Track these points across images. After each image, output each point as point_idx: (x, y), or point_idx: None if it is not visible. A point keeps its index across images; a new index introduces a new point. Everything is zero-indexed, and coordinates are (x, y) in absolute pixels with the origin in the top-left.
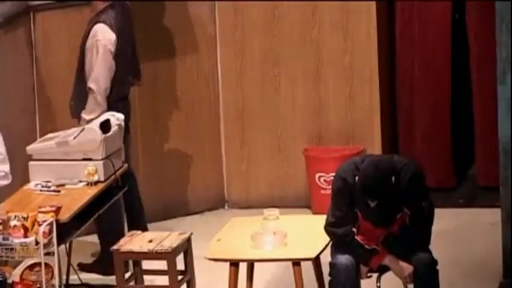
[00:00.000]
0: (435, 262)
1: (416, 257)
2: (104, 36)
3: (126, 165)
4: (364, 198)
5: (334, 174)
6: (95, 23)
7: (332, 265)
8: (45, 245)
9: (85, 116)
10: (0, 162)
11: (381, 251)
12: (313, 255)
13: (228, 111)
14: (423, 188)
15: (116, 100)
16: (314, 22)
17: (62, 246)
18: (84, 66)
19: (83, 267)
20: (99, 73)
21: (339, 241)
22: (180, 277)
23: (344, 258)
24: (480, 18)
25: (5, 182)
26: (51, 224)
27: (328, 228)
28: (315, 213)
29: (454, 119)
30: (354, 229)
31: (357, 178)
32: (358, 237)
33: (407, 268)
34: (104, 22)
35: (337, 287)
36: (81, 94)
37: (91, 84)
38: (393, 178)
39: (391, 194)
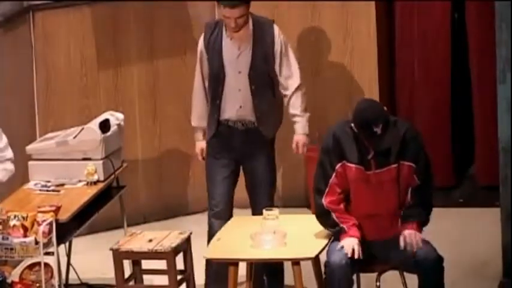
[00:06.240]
0: (441, 259)
1: (422, 253)
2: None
3: None
4: (369, 128)
5: None
6: (270, 26)
7: (326, 263)
8: (45, 245)
9: (305, 113)
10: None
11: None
12: (312, 254)
13: None
14: (421, 142)
15: None
16: (314, 22)
17: (62, 246)
18: (275, 72)
19: None
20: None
21: (319, 209)
22: (179, 277)
23: (338, 257)
24: (480, 18)
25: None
26: (50, 223)
27: (315, 195)
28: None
29: (454, 119)
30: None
31: (349, 128)
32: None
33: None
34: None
35: (332, 284)
36: (272, 110)
37: (299, 81)
38: (385, 107)
39: (389, 119)
